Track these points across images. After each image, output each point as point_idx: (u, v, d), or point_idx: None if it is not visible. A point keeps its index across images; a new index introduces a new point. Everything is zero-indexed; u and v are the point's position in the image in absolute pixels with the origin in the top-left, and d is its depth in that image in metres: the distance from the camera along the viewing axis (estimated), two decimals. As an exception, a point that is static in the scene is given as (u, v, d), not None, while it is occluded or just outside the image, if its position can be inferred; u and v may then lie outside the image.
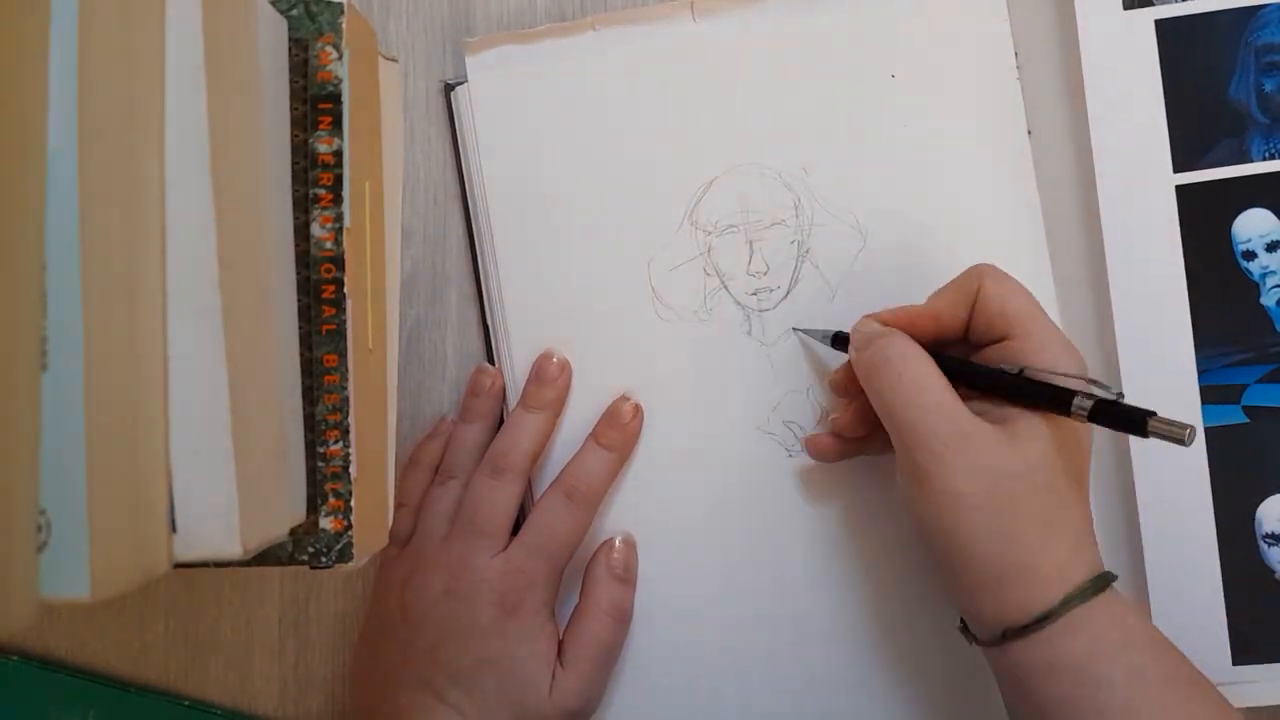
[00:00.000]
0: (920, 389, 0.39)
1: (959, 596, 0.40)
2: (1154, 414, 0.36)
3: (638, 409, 0.46)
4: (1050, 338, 0.39)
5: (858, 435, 0.44)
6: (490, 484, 0.44)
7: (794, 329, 0.47)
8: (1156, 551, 0.45)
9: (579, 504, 0.44)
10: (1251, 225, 0.45)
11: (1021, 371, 0.38)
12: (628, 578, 0.46)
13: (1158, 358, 0.45)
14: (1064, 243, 0.46)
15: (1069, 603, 0.37)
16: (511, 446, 0.45)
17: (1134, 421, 0.36)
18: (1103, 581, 0.38)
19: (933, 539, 0.39)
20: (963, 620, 0.41)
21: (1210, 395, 0.45)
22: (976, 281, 0.40)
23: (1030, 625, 0.37)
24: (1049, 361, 0.38)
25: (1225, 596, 0.45)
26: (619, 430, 0.46)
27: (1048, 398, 0.38)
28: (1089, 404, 0.36)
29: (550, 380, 0.46)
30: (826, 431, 0.45)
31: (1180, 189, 0.45)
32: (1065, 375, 0.38)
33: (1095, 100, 0.45)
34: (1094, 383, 0.37)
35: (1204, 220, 0.45)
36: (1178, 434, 0.35)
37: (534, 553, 0.43)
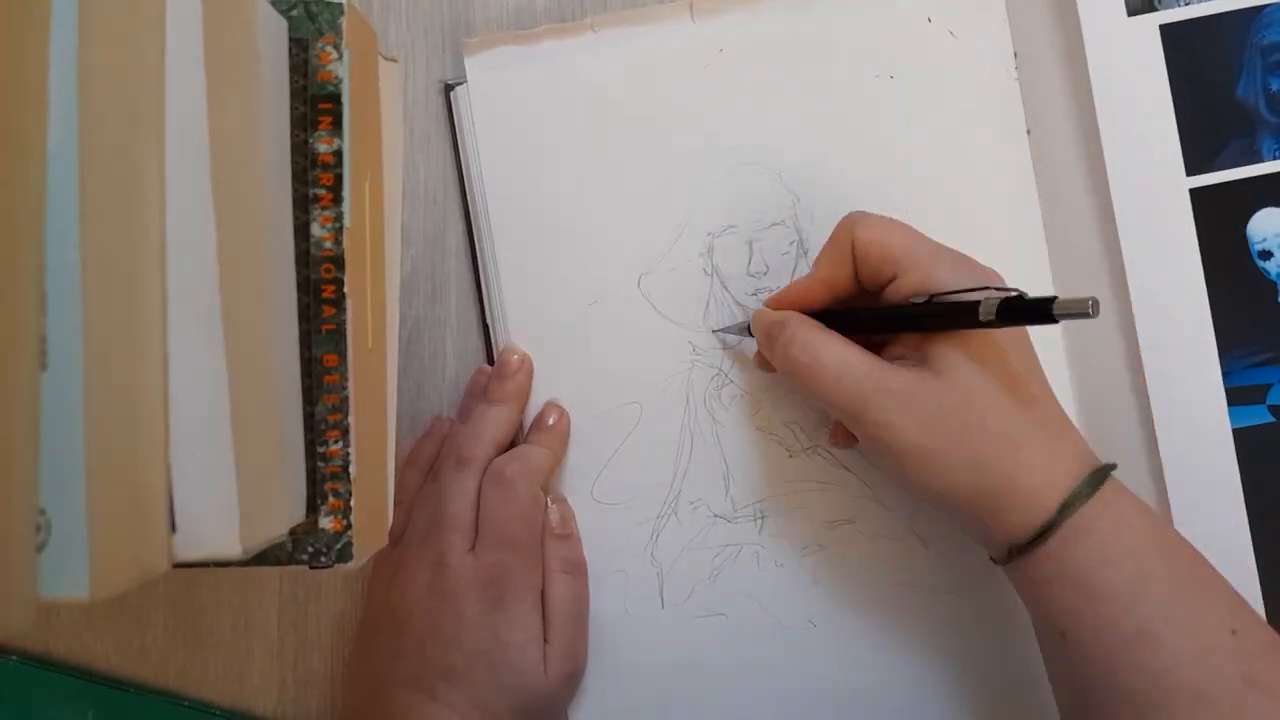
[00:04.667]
0: (836, 368, 0.39)
1: (965, 529, 0.40)
2: (1054, 299, 0.34)
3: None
4: (938, 259, 0.39)
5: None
6: (455, 476, 0.45)
7: (712, 330, 0.47)
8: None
9: (512, 480, 0.44)
10: (1266, 225, 0.45)
11: (929, 300, 0.38)
12: (567, 532, 0.46)
13: (1182, 362, 0.45)
14: (1083, 250, 0.47)
15: (1067, 508, 0.37)
16: (475, 437, 0.45)
17: (1040, 312, 0.35)
18: (1098, 477, 0.37)
19: (917, 492, 0.40)
20: None
21: (1235, 397, 0.45)
22: (849, 236, 0.41)
23: (1034, 540, 0.37)
24: (946, 281, 0.38)
25: (1263, 596, 0.45)
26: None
27: (956, 316, 0.37)
28: (994, 307, 0.36)
29: (510, 374, 0.46)
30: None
31: (1194, 192, 0.45)
32: (963, 291, 0.37)
33: (1105, 107, 0.45)
34: (993, 289, 0.37)
35: (1219, 222, 0.45)
36: (1081, 308, 0.33)
37: (495, 544, 0.44)
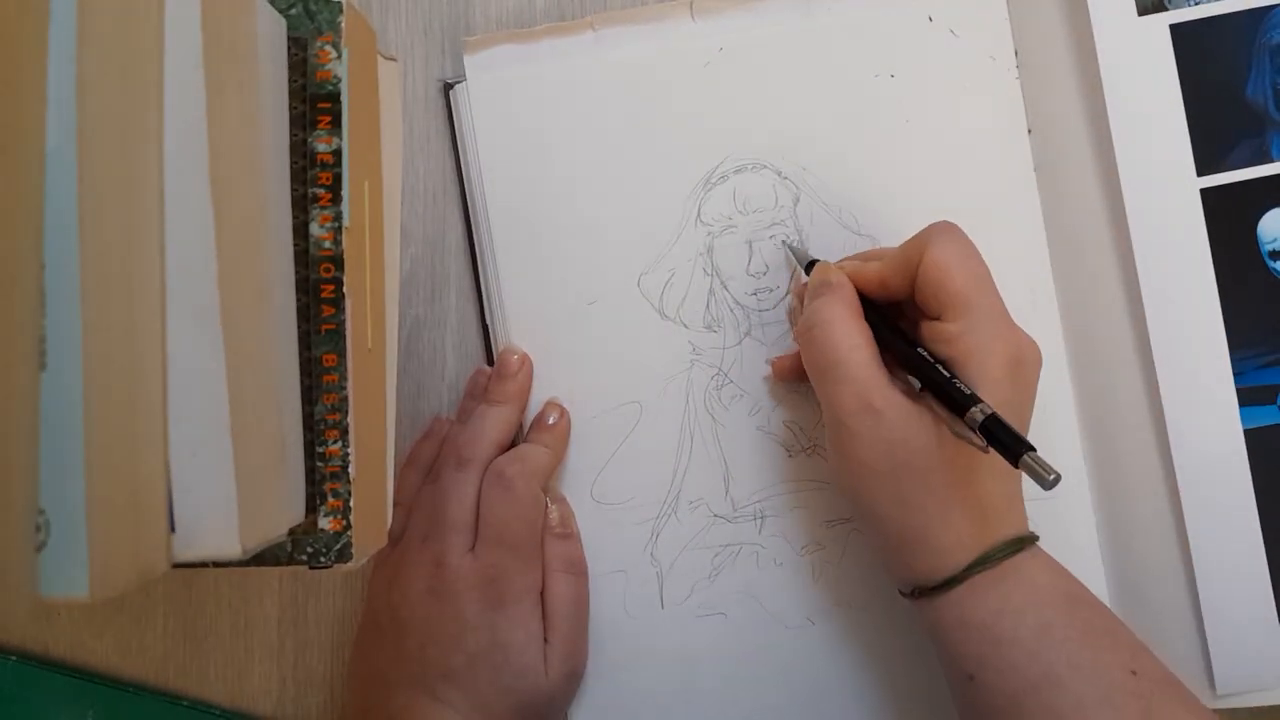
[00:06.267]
0: (841, 355, 0.39)
1: (879, 555, 0.42)
2: (1032, 448, 0.35)
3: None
4: (982, 321, 0.39)
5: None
6: (456, 477, 0.44)
7: (783, 242, 0.47)
8: (1204, 553, 0.45)
9: (512, 480, 0.44)
10: (1277, 225, 0.45)
11: (936, 363, 0.39)
12: (568, 532, 0.47)
13: (1194, 362, 0.45)
14: (1092, 250, 0.46)
15: (972, 569, 0.38)
16: (477, 437, 0.45)
17: (1011, 448, 0.35)
18: (1015, 546, 0.38)
19: (850, 501, 0.41)
20: None
21: (1246, 397, 0.45)
22: (920, 250, 0.40)
23: (938, 587, 0.38)
24: (971, 346, 0.38)
25: (1274, 594, 0.45)
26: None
27: (950, 398, 0.37)
28: (978, 421, 0.36)
29: (511, 374, 0.46)
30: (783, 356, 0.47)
31: (1204, 192, 0.45)
32: (960, 383, 0.37)
33: (1115, 107, 0.45)
34: (979, 402, 0.37)
35: (1230, 222, 0.45)
36: (1043, 475, 0.34)
37: (495, 544, 0.43)
